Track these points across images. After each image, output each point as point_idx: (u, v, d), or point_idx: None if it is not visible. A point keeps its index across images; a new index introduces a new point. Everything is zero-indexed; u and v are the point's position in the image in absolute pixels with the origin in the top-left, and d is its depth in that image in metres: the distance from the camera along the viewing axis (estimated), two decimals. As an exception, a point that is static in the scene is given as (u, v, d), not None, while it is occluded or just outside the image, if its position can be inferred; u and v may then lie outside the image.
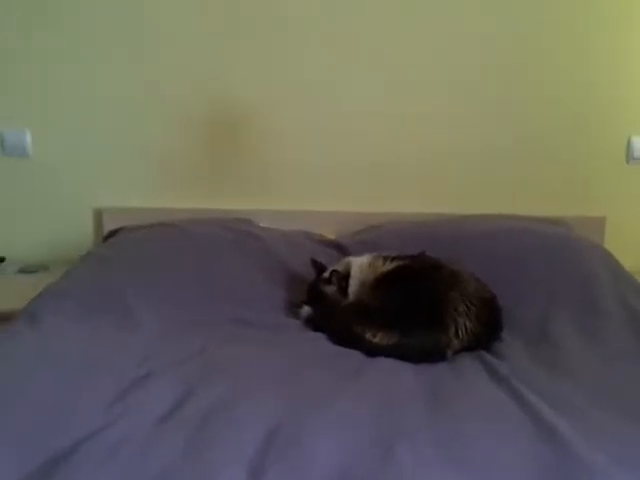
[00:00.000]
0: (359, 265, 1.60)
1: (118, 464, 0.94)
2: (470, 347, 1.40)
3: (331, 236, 2.05)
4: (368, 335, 1.41)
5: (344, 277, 1.57)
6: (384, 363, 1.32)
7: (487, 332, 1.43)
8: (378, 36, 2.05)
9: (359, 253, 1.72)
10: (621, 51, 2.05)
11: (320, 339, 1.46)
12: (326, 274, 1.60)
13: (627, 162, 2.13)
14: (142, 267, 1.71)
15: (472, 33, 2.03)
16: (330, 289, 1.58)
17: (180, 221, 1.95)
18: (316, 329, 1.52)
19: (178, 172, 2.15)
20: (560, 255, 1.73)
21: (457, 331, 1.38)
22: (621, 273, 1.72)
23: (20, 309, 1.58)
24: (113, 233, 2.00)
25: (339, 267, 1.61)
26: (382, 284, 1.50)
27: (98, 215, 2.16)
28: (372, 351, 1.38)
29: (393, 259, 1.58)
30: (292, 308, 1.64)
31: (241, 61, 2.06)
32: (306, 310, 1.58)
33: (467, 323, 1.39)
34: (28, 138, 2.11)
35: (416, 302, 1.41)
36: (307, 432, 1.01)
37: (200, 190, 2.16)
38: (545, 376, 1.27)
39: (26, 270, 2.09)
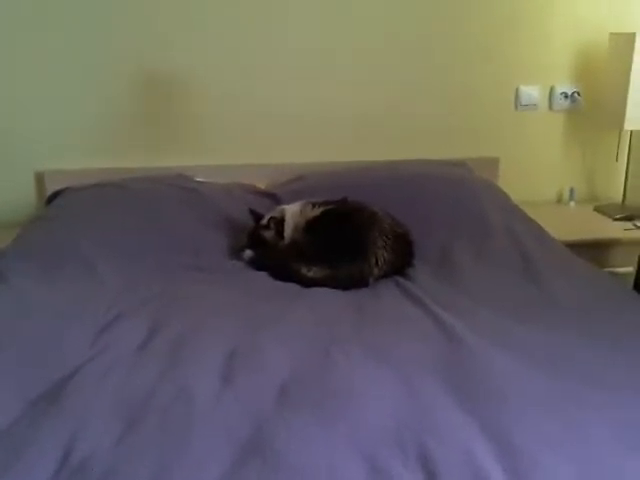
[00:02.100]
0: (292, 212, 1.82)
1: (111, 384, 1.16)
2: (388, 274, 1.68)
3: (262, 186, 2.27)
4: (303, 270, 1.66)
5: (280, 222, 1.80)
6: (318, 291, 1.59)
7: (401, 261, 1.71)
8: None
9: (289, 201, 1.93)
10: (510, 9, 2.33)
11: (263, 276, 1.70)
12: (264, 221, 1.82)
13: (516, 109, 2.45)
14: (94, 224, 1.85)
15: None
16: (269, 233, 1.80)
17: (122, 180, 2.08)
18: (258, 269, 1.75)
19: (115, 133, 2.27)
20: (458, 194, 2.03)
21: (377, 261, 1.64)
22: (508, 205, 2.06)
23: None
24: (56, 194, 2.12)
25: (275, 214, 1.83)
26: (312, 226, 1.74)
27: (40, 177, 2.26)
28: (307, 283, 1.63)
29: (320, 205, 1.80)
30: (235, 252, 1.85)
31: (173, 21, 2.18)
32: (248, 253, 1.80)
33: (385, 254, 1.65)
34: (-35, 106, 2.16)
35: (342, 240, 1.67)
36: (262, 346, 1.28)
37: (137, 149, 2.29)
38: (446, 290, 1.58)
39: (-28, 234, 2.19)
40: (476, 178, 2.16)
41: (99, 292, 1.59)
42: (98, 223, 1.87)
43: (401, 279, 1.67)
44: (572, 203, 2.51)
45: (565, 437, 0.99)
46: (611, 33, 2.30)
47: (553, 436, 0.99)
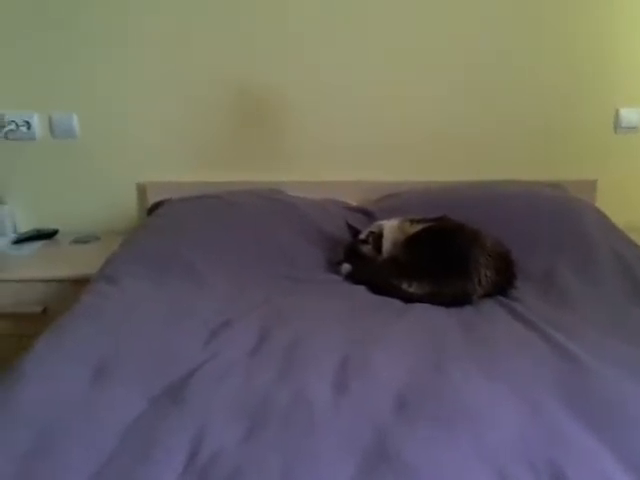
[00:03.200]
0: (390, 227, 1.83)
1: (229, 386, 1.19)
2: (490, 293, 1.65)
3: (352, 203, 2.29)
4: (404, 286, 1.66)
5: (378, 237, 1.81)
6: (421, 307, 1.58)
7: (504, 280, 1.68)
8: (389, 12, 2.23)
9: (384, 218, 1.94)
10: (610, 31, 2.28)
11: (362, 290, 1.70)
12: (362, 235, 1.84)
13: (615, 131, 2.38)
14: (197, 233, 1.91)
15: (478, 17, 2.25)
16: (366, 248, 1.82)
17: (220, 192, 2.14)
18: (356, 282, 1.75)
19: (213, 149, 2.35)
20: (559, 214, 1.98)
21: (480, 280, 1.62)
22: (611, 227, 1.98)
23: (94, 274, 1.81)
24: (157, 205, 2.21)
25: (373, 229, 1.84)
26: (412, 243, 1.74)
27: (141, 189, 2.37)
28: (408, 298, 1.63)
29: (419, 221, 1.81)
30: (332, 266, 1.87)
31: (264, 44, 2.25)
32: (346, 267, 1.82)
33: (488, 273, 1.63)
34: (75, 121, 2.30)
35: (444, 257, 1.66)
36: (372, 356, 1.28)
37: (232, 164, 2.36)
38: (553, 311, 1.54)
39: (80, 240, 2.30)
40: (576, 199, 2.10)
41: (205, 298, 1.64)
42: (200, 232, 1.92)
43: (505, 299, 1.64)
44: (674, 231, 2.40)
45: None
46: None
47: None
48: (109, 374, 1.24)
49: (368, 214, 2.11)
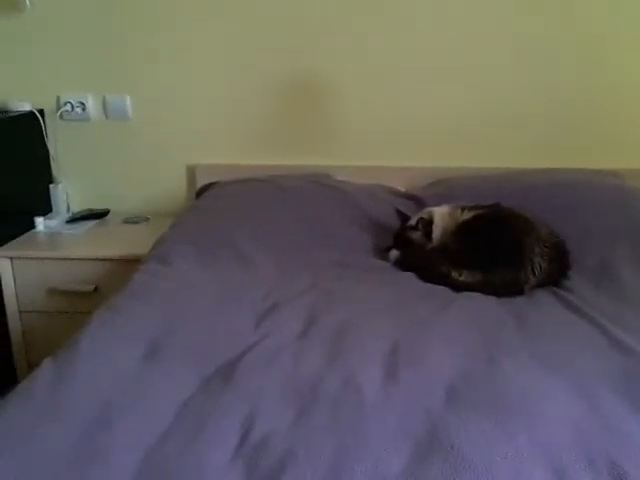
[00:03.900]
0: (440, 214, 1.80)
1: (278, 369, 1.19)
2: (543, 284, 1.61)
3: (401, 189, 2.25)
4: (454, 274, 1.63)
5: (428, 224, 1.78)
6: (471, 296, 1.55)
7: (558, 271, 1.64)
8: None
9: (433, 204, 1.90)
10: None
11: (411, 277, 1.68)
12: (412, 221, 1.82)
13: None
14: (246, 216, 1.92)
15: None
16: (416, 235, 1.79)
17: (269, 176, 2.15)
18: (404, 269, 1.74)
19: (262, 132, 2.35)
20: (616, 204, 1.90)
21: (533, 270, 1.58)
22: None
23: (144, 254, 1.84)
24: (206, 187, 2.23)
25: (423, 215, 1.81)
26: (463, 230, 1.71)
27: (191, 171, 2.39)
28: (458, 287, 1.60)
29: (471, 209, 1.77)
30: (380, 252, 1.85)
31: (314, 30, 2.23)
32: (394, 253, 1.80)
33: (541, 263, 1.59)
34: (128, 102, 2.33)
35: (496, 245, 1.62)
36: (423, 344, 1.27)
37: (281, 148, 2.36)
38: (609, 304, 1.49)
39: (130, 221, 2.35)
40: (633, 188, 2.01)
41: (253, 280, 1.65)
42: (249, 215, 1.93)
43: (558, 290, 1.59)
44: None
45: None
46: None
47: None
48: (161, 353, 1.26)
49: (417, 200, 2.06)
